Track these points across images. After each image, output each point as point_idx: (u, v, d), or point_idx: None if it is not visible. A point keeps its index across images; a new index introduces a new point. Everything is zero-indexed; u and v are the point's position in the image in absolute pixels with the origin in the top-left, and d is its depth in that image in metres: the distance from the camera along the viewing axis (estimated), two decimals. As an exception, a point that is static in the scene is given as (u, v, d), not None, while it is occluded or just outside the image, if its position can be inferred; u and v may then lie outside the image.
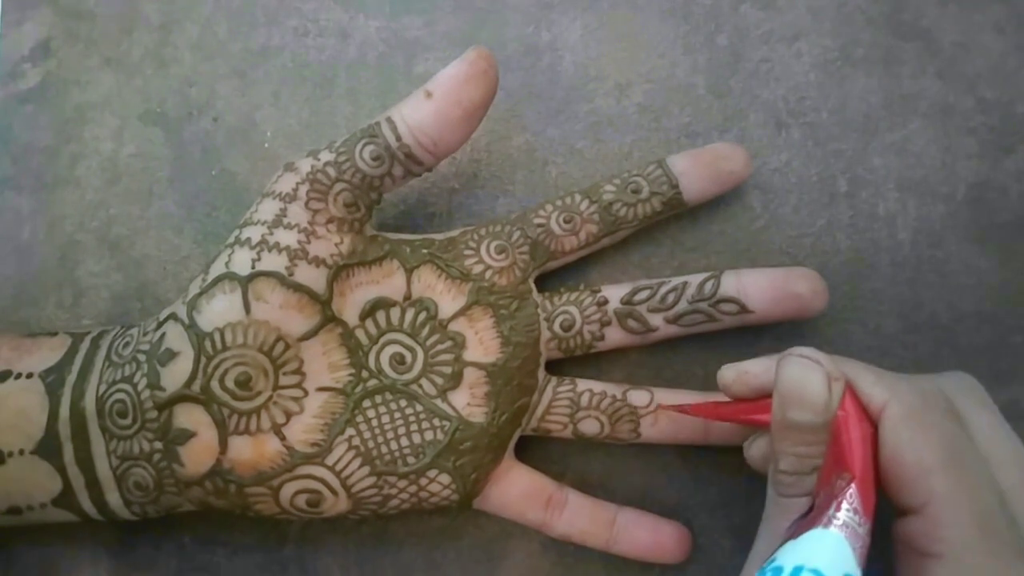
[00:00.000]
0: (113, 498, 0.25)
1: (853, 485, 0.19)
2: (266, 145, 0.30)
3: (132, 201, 0.30)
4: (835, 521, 0.19)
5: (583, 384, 0.27)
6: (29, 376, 0.25)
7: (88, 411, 0.24)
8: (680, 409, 0.25)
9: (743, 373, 0.23)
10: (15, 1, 0.31)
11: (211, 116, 0.31)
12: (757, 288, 0.26)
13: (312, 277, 0.24)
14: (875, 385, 0.21)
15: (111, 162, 0.30)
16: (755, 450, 0.25)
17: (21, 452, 0.24)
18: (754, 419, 0.23)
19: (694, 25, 0.30)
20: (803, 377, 0.21)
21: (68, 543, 0.29)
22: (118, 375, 0.24)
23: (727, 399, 0.24)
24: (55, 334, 0.26)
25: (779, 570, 0.19)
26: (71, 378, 0.25)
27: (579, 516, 0.26)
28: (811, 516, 0.20)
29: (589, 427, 0.27)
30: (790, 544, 0.19)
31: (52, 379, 0.25)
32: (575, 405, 0.26)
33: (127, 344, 0.25)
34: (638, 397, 0.26)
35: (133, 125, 0.31)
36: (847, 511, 0.19)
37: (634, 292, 0.27)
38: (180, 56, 0.31)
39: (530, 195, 0.30)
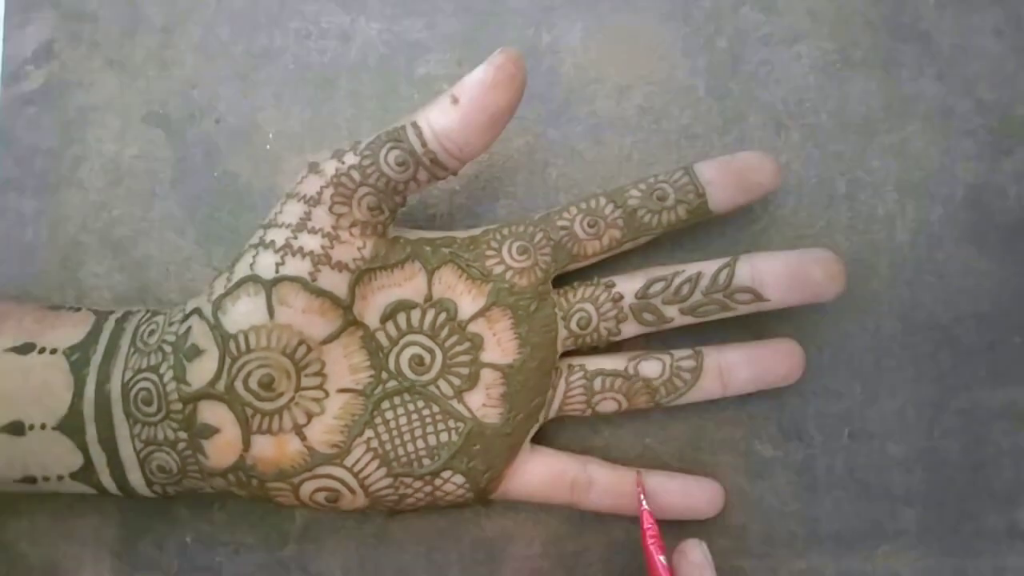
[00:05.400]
0: (135, 477, 0.25)
1: None
2: (268, 147, 0.30)
3: (134, 202, 0.30)
4: None
5: (593, 365, 0.27)
6: (53, 352, 0.25)
7: (113, 395, 0.24)
8: (642, 508, 0.26)
9: (698, 566, 0.24)
10: (18, 3, 0.31)
11: (213, 118, 0.31)
12: (772, 275, 0.25)
13: (335, 282, 0.24)
14: None
15: (114, 164, 0.31)
16: None
17: (43, 426, 0.24)
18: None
19: (694, 27, 0.30)
20: None
21: (70, 543, 0.29)
22: (144, 363, 0.24)
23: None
24: (79, 309, 0.27)
25: None
26: (96, 359, 0.25)
27: (606, 495, 0.27)
28: None
29: (607, 407, 0.27)
30: None
31: (77, 357, 0.25)
32: (590, 391, 0.27)
33: (152, 332, 0.25)
34: (650, 368, 0.26)
35: (135, 127, 0.31)
36: None
37: (648, 284, 0.26)
38: (182, 58, 0.31)
39: (530, 197, 0.30)
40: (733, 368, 0.26)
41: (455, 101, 0.24)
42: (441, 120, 0.24)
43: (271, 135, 0.30)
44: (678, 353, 0.27)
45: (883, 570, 0.28)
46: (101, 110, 0.31)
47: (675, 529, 0.28)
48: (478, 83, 0.24)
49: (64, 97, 0.31)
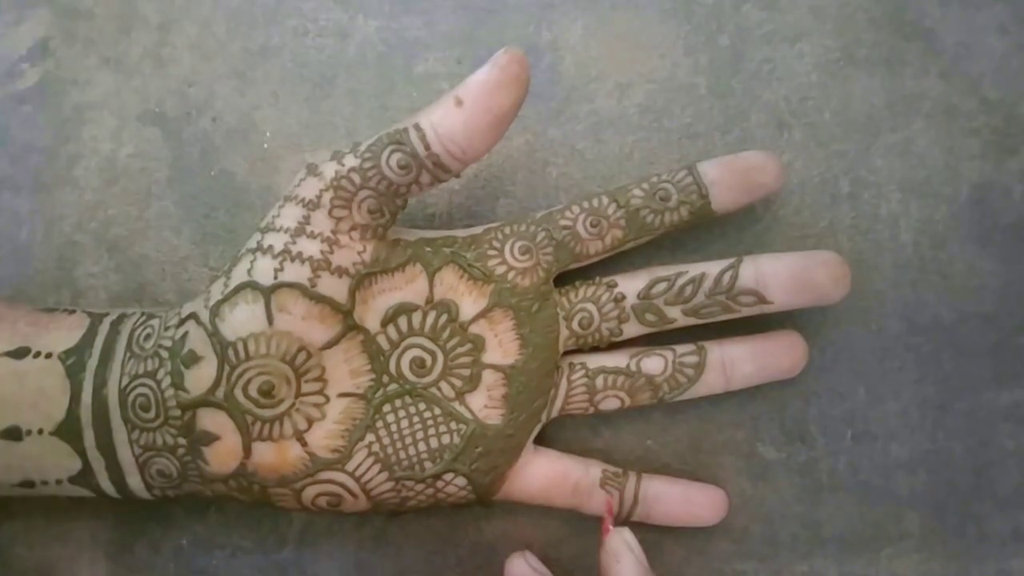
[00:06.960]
0: (134, 481, 0.25)
1: None
2: (265, 145, 0.30)
3: (130, 202, 0.30)
4: None
5: (595, 363, 0.27)
6: (48, 356, 0.25)
7: (111, 400, 0.24)
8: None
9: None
10: (13, 0, 0.31)
11: (210, 116, 0.30)
12: (776, 279, 0.25)
13: (335, 287, 0.24)
14: None
15: (109, 162, 0.30)
16: None
17: (40, 432, 0.24)
18: None
19: (696, 25, 0.30)
20: None
21: (66, 546, 0.29)
22: (140, 369, 0.24)
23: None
24: (72, 311, 0.26)
25: None
26: (92, 363, 0.25)
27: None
28: None
29: (610, 405, 0.27)
30: None
31: (72, 362, 0.25)
32: (592, 389, 0.26)
33: (148, 336, 0.25)
34: (652, 364, 0.26)
35: (132, 125, 0.31)
36: None
37: (651, 285, 0.26)
38: (179, 56, 0.31)
39: (530, 196, 0.29)
40: (736, 362, 0.26)
41: (459, 103, 0.23)
42: (445, 122, 0.23)
43: (268, 134, 0.30)
44: (680, 348, 0.27)
45: (886, 573, 0.28)
46: (97, 108, 0.31)
47: (675, 532, 0.27)
48: (482, 84, 0.23)
49: (59, 95, 0.31)
